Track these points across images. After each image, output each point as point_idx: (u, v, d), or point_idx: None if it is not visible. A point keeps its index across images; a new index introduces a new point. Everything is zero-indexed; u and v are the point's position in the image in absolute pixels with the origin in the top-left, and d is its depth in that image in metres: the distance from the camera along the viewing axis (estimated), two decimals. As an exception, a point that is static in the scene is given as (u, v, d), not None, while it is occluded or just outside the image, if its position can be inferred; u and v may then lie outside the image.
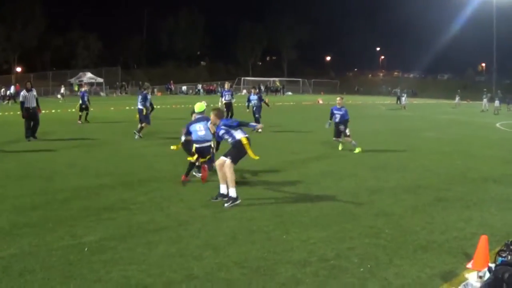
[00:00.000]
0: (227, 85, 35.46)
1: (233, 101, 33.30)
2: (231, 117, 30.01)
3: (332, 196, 12.93)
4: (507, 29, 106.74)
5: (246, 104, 32.55)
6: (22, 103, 24.46)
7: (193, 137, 14.44)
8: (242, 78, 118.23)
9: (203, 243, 9.03)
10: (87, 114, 34.18)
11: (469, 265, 7.84)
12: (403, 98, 62.88)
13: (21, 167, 16.77)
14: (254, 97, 31.59)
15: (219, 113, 13.27)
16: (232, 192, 11.96)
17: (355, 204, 12.04)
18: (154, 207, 11.50)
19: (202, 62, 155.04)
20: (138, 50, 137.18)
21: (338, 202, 12.30)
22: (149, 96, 26.81)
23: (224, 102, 32.48)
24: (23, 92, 24.75)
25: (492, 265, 7.30)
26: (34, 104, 24.56)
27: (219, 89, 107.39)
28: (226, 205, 11.76)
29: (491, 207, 12.10)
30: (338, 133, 21.54)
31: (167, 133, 26.26)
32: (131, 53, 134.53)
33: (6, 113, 43.60)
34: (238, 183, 13.06)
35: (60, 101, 65.90)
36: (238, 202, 11.86)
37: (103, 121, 34.48)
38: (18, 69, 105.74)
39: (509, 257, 7.63)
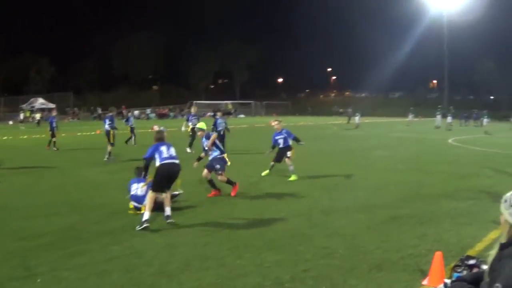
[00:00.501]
0: (193, 109, 34.26)
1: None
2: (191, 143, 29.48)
3: (285, 218, 12.87)
4: (458, 45, 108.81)
5: (212, 127, 29.38)
6: None
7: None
8: (194, 102, 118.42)
9: (157, 271, 8.90)
10: (54, 141, 33.28)
11: (425, 282, 7.88)
12: (357, 118, 63.44)
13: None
14: (221, 121, 30.01)
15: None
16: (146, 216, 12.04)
17: (309, 226, 11.98)
18: (107, 236, 11.30)
19: (154, 86, 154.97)
20: (90, 74, 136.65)
21: (292, 224, 12.22)
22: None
23: (190, 127, 30.83)
24: None
25: (448, 281, 7.29)
26: None
27: (171, 114, 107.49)
28: (137, 227, 11.82)
29: (445, 223, 12.16)
30: (280, 157, 20.16)
31: (120, 160, 26.05)
32: (84, 77, 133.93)
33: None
34: (189, 208, 13.04)
35: (21, 128, 65.00)
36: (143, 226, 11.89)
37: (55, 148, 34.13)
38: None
39: (464, 272, 7.65)
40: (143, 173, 13.64)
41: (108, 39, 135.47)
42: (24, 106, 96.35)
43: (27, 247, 10.46)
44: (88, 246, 10.52)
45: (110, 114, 28.78)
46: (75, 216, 13.36)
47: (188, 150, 28.20)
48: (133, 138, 35.84)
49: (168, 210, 12.49)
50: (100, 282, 8.40)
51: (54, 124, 33.38)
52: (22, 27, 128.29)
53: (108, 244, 10.64)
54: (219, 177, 16.07)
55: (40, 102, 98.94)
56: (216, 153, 16.33)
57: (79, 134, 49.78)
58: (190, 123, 31.23)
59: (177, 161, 12.97)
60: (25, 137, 45.42)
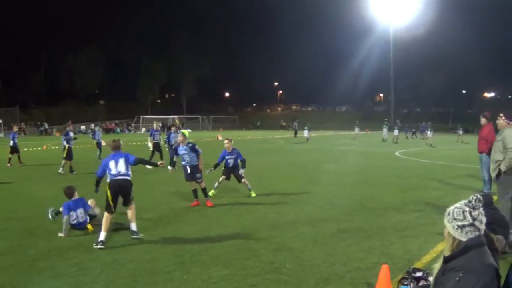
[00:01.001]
0: (155, 125, 33.63)
1: (161, 142, 31.32)
2: (161, 157, 28.37)
3: (232, 233, 12.86)
4: (404, 59, 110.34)
5: (165, 140, 30.40)
6: None
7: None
8: (142, 117, 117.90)
9: (103, 288, 8.80)
10: (19, 156, 32.42)
11: (371, 296, 7.88)
12: (306, 132, 63.69)
13: None
14: (174, 135, 28.76)
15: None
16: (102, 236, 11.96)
17: (255, 240, 11.99)
18: (53, 253, 11.18)
19: (100, 101, 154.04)
20: (37, 89, 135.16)
21: (238, 239, 12.22)
22: (71, 134, 27.78)
23: (153, 142, 30.92)
24: None
25: (395, 294, 7.35)
26: None
27: (118, 129, 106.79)
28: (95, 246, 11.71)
29: (392, 235, 12.27)
30: (228, 175, 19.25)
31: (67, 175, 25.81)
32: (30, 92, 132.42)
33: None
34: (124, 226, 13.04)
35: None
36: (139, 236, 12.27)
37: (1, 163, 33.67)
38: None
39: (411, 284, 7.71)
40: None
41: (54, 53, 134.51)
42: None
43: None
44: (35, 263, 10.44)
45: (67, 129, 29.67)
46: (22, 233, 13.19)
47: (170, 168, 27.42)
48: (98, 152, 35.65)
49: (133, 226, 12.51)
50: (47, 300, 8.31)
51: (16, 140, 32.65)
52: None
53: (55, 260, 10.55)
54: (202, 184, 16.90)
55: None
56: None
57: (25, 149, 49.09)
58: (152, 138, 31.30)
59: (127, 177, 12.82)
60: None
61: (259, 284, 8.83)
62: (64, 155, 27.37)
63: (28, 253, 11.17)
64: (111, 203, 12.38)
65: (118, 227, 13.34)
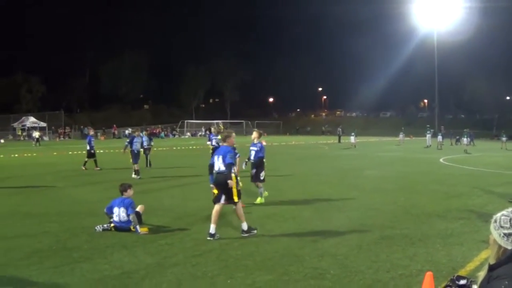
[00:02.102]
0: (214, 130, 33.03)
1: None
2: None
3: (276, 238, 12.85)
4: (448, 65, 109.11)
5: (209, 142, 29.80)
6: None
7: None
8: (186, 121, 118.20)
9: (148, 291, 8.86)
10: (95, 160, 32.51)
11: (415, 303, 7.83)
12: (352, 137, 63.31)
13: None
14: (217, 137, 28.40)
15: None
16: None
17: (300, 246, 11.95)
18: (98, 255, 11.27)
19: (145, 106, 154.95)
20: (81, 93, 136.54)
21: (283, 244, 12.19)
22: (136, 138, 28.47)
23: (211, 146, 29.36)
24: None
25: (438, 302, 7.30)
26: None
27: (162, 133, 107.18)
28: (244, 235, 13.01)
29: (436, 243, 12.16)
30: (256, 177, 18.98)
31: (109, 177, 26.00)
32: (74, 96, 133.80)
33: None
34: (180, 227, 13.13)
35: (34, 146, 64.45)
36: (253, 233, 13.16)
37: (47, 167, 33.97)
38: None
39: (455, 293, 7.63)
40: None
41: (99, 57, 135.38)
42: (15, 124, 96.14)
43: (17, 266, 10.44)
44: (79, 265, 10.48)
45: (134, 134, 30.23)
46: (66, 235, 13.32)
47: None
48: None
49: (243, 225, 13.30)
50: (91, 302, 8.38)
51: (92, 144, 32.69)
52: (12, 46, 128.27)
53: (99, 263, 10.61)
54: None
55: (31, 120, 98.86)
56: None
57: (70, 153, 49.69)
58: (210, 143, 30.36)
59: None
60: (16, 155, 45.40)
61: (302, 290, 8.82)
62: (131, 159, 27.76)
63: (72, 255, 11.27)
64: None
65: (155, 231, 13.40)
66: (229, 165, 13.00)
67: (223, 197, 13.10)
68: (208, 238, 12.68)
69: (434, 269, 9.04)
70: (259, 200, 18.47)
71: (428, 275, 7.73)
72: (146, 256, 11.21)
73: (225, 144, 13.74)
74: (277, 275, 9.68)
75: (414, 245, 11.93)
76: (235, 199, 13.14)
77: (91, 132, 36.06)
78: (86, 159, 32.23)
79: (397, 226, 14.14)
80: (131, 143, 28.53)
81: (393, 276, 9.54)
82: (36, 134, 76.93)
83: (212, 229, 12.87)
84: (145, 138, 32.64)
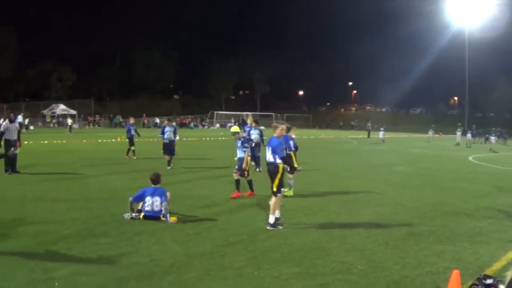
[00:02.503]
0: (249, 120, 30.31)
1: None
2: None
3: (304, 231, 12.87)
4: (479, 62, 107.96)
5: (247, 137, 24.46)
6: (2, 133, 23.23)
7: None
8: (215, 112, 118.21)
9: (175, 280, 8.94)
10: (133, 150, 31.86)
11: (442, 300, 7.81)
12: (381, 133, 63.05)
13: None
14: (254, 131, 25.77)
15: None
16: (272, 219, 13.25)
17: (327, 240, 11.96)
18: (125, 242, 11.35)
19: (175, 96, 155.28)
20: (111, 82, 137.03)
21: (310, 237, 12.21)
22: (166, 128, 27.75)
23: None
24: (5, 123, 23.69)
25: (465, 300, 7.27)
26: (15, 137, 23.44)
27: (192, 124, 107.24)
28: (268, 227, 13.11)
29: (464, 241, 12.12)
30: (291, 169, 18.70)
31: (138, 166, 26.12)
32: (104, 85, 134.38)
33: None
34: (208, 218, 13.23)
35: (69, 133, 64.72)
36: (280, 228, 13.13)
37: (76, 153, 34.18)
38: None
39: (481, 291, 7.61)
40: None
41: (129, 47, 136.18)
42: (45, 111, 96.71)
43: (46, 251, 10.56)
44: (107, 252, 10.58)
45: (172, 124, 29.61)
46: (94, 222, 13.44)
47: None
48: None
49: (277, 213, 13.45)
50: (118, 288, 8.44)
51: (132, 132, 32.16)
52: (43, 35, 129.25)
53: (127, 251, 10.70)
54: (235, 175, 17.57)
55: (61, 108, 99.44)
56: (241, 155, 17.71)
57: (99, 141, 49.98)
58: (245, 133, 26.48)
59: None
60: (45, 142, 45.71)
61: (329, 284, 8.83)
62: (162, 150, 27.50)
63: (99, 242, 11.38)
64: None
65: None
66: (280, 158, 13.41)
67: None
68: (269, 228, 13.14)
69: (461, 267, 8.99)
70: (288, 192, 18.49)
71: (455, 273, 7.72)
72: (174, 245, 11.27)
73: (274, 135, 13.97)
74: (304, 268, 9.70)
75: (441, 243, 11.91)
76: (274, 189, 13.36)
77: (132, 121, 35.83)
78: (131, 148, 31.85)
79: (425, 223, 14.11)
80: (163, 132, 27.81)
81: (420, 273, 9.54)
82: (69, 121, 77.45)
83: (277, 213, 13.46)
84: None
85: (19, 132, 23.87)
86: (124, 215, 13.62)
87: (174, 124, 31.69)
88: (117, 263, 9.85)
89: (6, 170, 22.86)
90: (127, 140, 32.11)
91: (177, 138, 29.39)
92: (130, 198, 13.84)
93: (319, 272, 9.47)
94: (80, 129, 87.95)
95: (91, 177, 22.55)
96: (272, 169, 13.43)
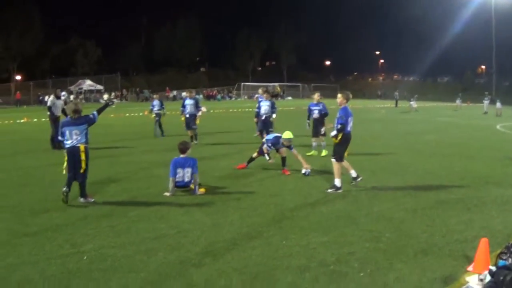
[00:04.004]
0: (261, 91, 26.84)
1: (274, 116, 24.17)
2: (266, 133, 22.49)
3: (332, 200, 12.92)
4: (506, 30, 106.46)
5: (257, 111, 24.58)
6: (50, 108, 23.67)
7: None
8: (242, 84, 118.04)
9: (203, 250, 8.99)
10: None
11: (470, 268, 7.80)
12: (412, 102, 62.64)
13: (20, 176, 16.72)
14: (265, 103, 24.12)
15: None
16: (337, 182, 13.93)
17: (355, 208, 12.00)
18: (154, 215, 11.44)
19: (201, 68, 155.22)
20: (137, 57, 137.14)
21: (338, 206, 12.26)
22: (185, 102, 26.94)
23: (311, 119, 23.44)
24: (52, 98, 24.10)
25: (493, 268, 7.25)
26: (60, 113, 23.37)
27: (219, 96, 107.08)
28: (329, 190, 13.84)
29: (492, 209, 12.06)
30: (317, 132, 21.12)
31: (167, 140, 26.14)
32: (130, 60, 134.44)
33: (6, 122, 43.59)
34: (236, 188, 13.28)
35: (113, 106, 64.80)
36: (340, 190, 13.81)
37: (104, 128, 34.30)
38: (18, 78, 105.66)
39: (510, 259, 7.59)
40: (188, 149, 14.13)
41: (153, 21, 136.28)
42: (72, 87, 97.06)
43: (74, 224, 10.69)
44: (135, 225, 10.69)
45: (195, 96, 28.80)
46: (123, 195, 13.61)
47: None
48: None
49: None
50: (146, 260, 8.53)
51: (155, 108, 30.64)
52: (68, 11, 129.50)
53: (155, 222, 10.80)
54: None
55: (88, 83, 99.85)
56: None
57: (127, 115, 50.18)
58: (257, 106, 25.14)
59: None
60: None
61: (357, 252, 8.85)
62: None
63: (129, 215, 11.48)
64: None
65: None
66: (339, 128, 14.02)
67: None
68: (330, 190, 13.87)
69: (489, 236, 8.95)
70: (324, 152, 20.45)
71: (483, 241, 7.71)
72: (202, 215, 11.35)
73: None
74: (332, 237, 9.73)
75: (469, 211, 11.87)
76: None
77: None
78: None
79: (453, 191, 14.05)
80: (183, 106, 26.60)
81: (448, 241, 9.50)
82: (105, 96, 77.97)
83: (352, 173, 14.65)
84: (155, 102, 30.89)
85: (64, 109, 23.79)
86: (165, 194, 13.60)
87: (197, 96, 31.21)
88: (146, 235, 9.92)
89: (53, 147, 22.84)
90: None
91: (204, 109, 29.11)
92: (170, 177, 13.76)
93: (347, 241, 9.48)
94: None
95: (116, 152, 22.63)
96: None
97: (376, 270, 7.97)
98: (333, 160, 14.22)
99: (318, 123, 21.13)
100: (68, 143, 12.77)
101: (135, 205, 12.46)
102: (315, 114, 21.35)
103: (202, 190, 13.64)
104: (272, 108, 23.90)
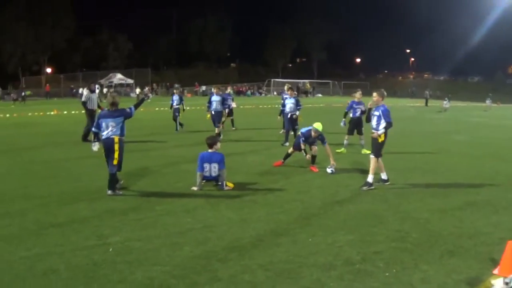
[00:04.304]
0: (286, 87, 26.06)
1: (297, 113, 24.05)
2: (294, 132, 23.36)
3: (359, 199, 12.90)
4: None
5: (282, 109, 24.56)
6: (84, 103, 23.69)
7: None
8: (272, 80, 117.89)
9: (229, 245, 9.05)
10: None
11: (496, 271, 7.74)
12: (445, 102, 62.20)
13: (49, 168, 16.91)
14: (290, 100, 23.90)
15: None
16: (370, 178, 14.10)
17: (383, 208, 11.98)
18: (181, 209, 11.52)
19: (232, 64, 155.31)
20: (168, 51, 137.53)
21: (366, 205, 12.24)
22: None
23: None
24: (86, 93, 24.04)
25: (520, 272, 7.20)
26: (96, 107, 23.59)
27: (248, 92, 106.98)
28: (363, 188, 13.97)
29: (520, 212, 11.92)
30: (359, 131, 21.39)
31: (195, 135, 26.16)
32: (161, 54, 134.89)
33: (36, 114, 43.94)
34: (264, 185, 13.31)
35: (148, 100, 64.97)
36: (372, 187, 14.01)
37: (132, 122, 34.39)
38: (48, 70, 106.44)
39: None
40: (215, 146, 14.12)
41: (185, 15, 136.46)
42: (102, 81, 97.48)
43: (101, 217, 10.80)
44: (161, 218, 10.79)
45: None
46: (151, 189, 13.67)
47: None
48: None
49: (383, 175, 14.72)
50: (171, 254, 8.62)
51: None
52: (99, 4, 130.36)
53: (182, 217, 10.88)
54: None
55: (118, 77, 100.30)
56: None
57: (156, 109, 50.37)
58: (282, 102, 25.17)
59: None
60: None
61: (383, 251, 8.84)
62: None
63: (156, 209, 11.56)
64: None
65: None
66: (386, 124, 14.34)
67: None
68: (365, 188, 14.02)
69: (517, 238, 8.92)
70: (365, 151, 20.37)
71: (510, 244, 7.65)
72: (229, 211, 11.40)
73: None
74: (359, 236, 9.72)
75: (497, 213, 11.77)
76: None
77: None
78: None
79: (481, 193, 13.95)
80: (209, 102, 26.32)
81: (475, 243, 9.46)
82: (137, 90, 78.41)
83: (383, 175, 14.76)
84: (175, 97, 30.70)
85: (98, 103, 24.14)
86: (192, 188, 13.65)
87: (230, 92, 31.24)
88: (172, 229, 10.01)
89: (84, 140, 23.22)
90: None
91: (233, 105, 29.28)
92: (198, 172, 13.82)
93: (374, 240, 9.48)
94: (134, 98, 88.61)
95: (146, 146, 22.69)
96: (374, 136, 14.50)
97: (401, 270, 7.97)
98: (372, 156, 14.37)
99: (359, 122, 21.30)
100: (104, 134, 12.97)
101: (162, 199, 12.54)
102: (358, 112, 21.42)
103: (229, 185, 13.70)
104: (297, 105, 23.88)
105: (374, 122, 14.63)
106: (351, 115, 21.76)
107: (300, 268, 8.00)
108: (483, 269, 8.10)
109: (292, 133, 22.99)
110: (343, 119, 21.91)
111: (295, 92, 25.60)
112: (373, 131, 14.52)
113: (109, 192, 12.86)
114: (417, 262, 8.34)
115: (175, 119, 29.58)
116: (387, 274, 7.82)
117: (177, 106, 30.01)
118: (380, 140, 14.33)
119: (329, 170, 16.27)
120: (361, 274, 7.78)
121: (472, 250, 9.02)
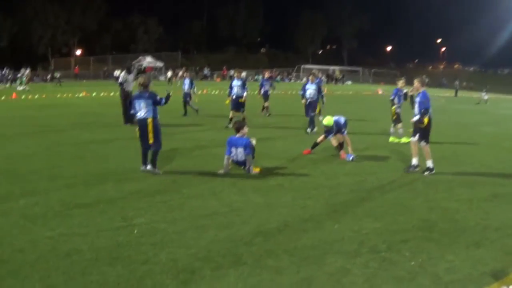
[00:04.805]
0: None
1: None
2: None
3: (387, 187, 12.87)
4: None
5: (301, 93, 23.98)
6: (121, 84, 23.90)
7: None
8: (302, 66, 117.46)
9: (254, 230, 9.07)
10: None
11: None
12: (483, 94, 61.63)
13: (76, 149, 17.03)
14: (311, 86, 23.39)
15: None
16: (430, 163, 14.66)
17: (410, 197, 11.92)
18: (207, 192, 11.55)
19: (262, 49, 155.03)
20: (198, 35, 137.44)
21: (393, 193, 12.20)
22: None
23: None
24: (124, 74, 24.12)
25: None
26: (131, 88, 23.52)
27: (278, 78, 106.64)
28: (425, 173, 14.50)
29: (549, 205, 11.81)
30: (398, 119, 21.39)
31: (227, 119, 26.12)
32: (191, 38, 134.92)
33: (65, 95, 44.19)
34: (291, 170, 13.30)
35: (167, 85, 65.35)
36: (433, 171, 14.56)
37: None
38: (78, 52, 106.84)
39: None
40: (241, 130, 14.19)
41: (215, 1, 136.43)
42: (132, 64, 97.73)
43: (127, 198, 10.88)
44: (188, 200, 10.82)
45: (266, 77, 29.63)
46: (178, 171, 13.74)
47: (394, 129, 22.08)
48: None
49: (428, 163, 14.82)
50: (196, 237, 8.65)
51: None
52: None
53: (208, 200, 10.92)
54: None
55: (148, 60, 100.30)
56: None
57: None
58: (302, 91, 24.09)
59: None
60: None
61: (409, 240, 8.80)
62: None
63: (182, 191, 11.60)
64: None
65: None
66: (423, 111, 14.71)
67: (416, 136, 14.92)
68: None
69: (545, 231, 8.84)
70: (404, 139, 20.48)
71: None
72: (255, 195, 11.41)
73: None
74: (385, 224, 9.70)
75: (526, 206, 11.64)
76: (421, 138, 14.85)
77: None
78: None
79: (509, 185, 13.86)
80: (231, 87, 24.81)
81: (501, 235, 9.39)
82: (169, 74, 78.63)
83: (415, 161, 15.04)
84: (186, 81, 30.33)
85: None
86: (219, 172, 13.68)
87: (244, 75, 30.87)
88: (198, 212, 10.05)
89: (126, 123, 23.39)
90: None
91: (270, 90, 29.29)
92: (226, 155, 13.90)
93: (400, 229, 9.45)
94: (163, 82, 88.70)
95: (171, 128, 22.65)
96: (417, 121, 14.87)
97: (427, 260, 7.93)
98: (423, 144, 14.68)
99: (401, 110, 21.41)
100: (138, 114, 13.27)
101: (189, 181, 12.57)
102: (402, 100, 21.20)
103: (256, 169, 13.70)
104: (319, 92, 23.80)
105: (416, 108, 14.89)
106: (396, 102, 21.54)
107: (325, 254, 7.99)
108: (509, 262, 8.05)
109: (308, 118, 22.78)
110: (397, 104, 21.53)
111: (321, 77, 25.51)
112: (413, 118, 14.77)
113: (149, 167, 13.26)
114: (443, 252, 8.29)
115: (185, 104, 29.44)
116: (412, 263, 7.79)
117: (188, 91, 29.70)
118: (422, 126, 14.56)
119: (350, 158, 16.25)
120: (386, 262, 7.76)
121: (498, 242, 8.96)
